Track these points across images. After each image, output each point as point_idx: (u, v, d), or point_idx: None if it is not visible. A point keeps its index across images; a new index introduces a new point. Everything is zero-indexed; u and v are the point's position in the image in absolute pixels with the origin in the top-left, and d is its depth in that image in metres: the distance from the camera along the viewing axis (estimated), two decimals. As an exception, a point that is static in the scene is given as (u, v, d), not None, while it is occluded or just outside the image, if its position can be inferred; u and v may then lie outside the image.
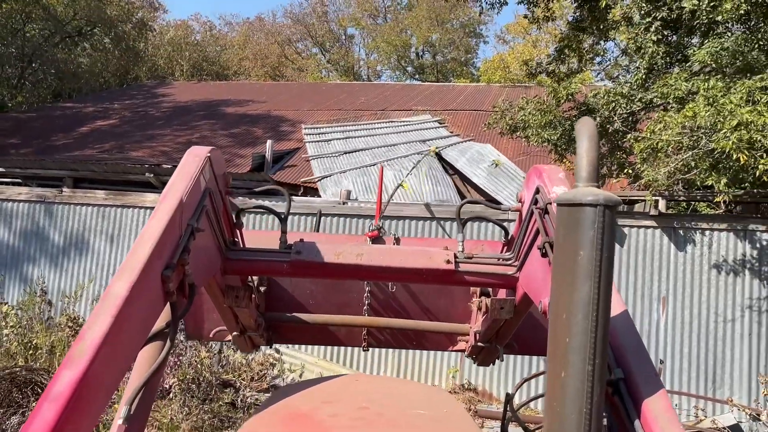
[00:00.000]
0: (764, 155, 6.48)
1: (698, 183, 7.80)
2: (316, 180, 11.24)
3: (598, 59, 12.31)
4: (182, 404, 6.92)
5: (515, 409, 7.59)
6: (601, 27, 10.56)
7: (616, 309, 1.55)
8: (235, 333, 2.91)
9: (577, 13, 11.63)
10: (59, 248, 9.82)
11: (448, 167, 12.42)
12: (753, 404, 8.24)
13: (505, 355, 2.92)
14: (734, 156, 6.47)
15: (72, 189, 9.89)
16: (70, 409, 1.20)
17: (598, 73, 22.96)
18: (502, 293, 2.53)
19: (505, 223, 2.55)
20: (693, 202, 9.54)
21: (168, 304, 1.68)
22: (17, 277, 9.80)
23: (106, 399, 1.39)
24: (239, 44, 41.88)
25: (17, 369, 6.43)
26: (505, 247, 2.47)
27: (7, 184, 10.20)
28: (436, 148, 12.63)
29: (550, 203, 1.83)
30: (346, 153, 13.24)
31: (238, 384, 7.52)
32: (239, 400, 7.42)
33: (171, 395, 7.07)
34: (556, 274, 1.37)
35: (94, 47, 33.52)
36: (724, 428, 7.46)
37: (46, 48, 30.56)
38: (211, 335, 3.13)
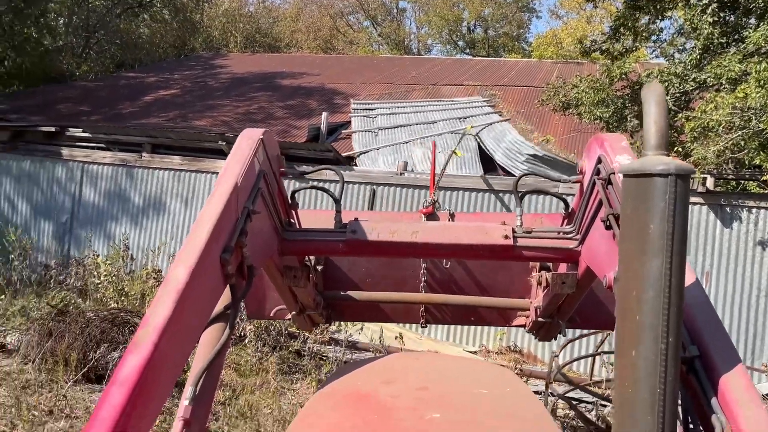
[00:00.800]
0: (813, 137, 6.72)
1: (746, 162, 8.03)
2: (356, 155, 11.64)
3: (653, 38, 12.38)
4: (255, 350, 7.68)
5: (559, 369, 8.08)
6: (658, 6, 10.68)
7: (688, 283, 1.49)
8: (294, 312, 2.96)
9: (634, -9, 11.73)
10: (139, 208, 10.68)
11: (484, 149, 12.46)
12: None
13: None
14: (783, 136, 6.74)
15: (150, 154, 10.70)
16: (137, 393, 1.22)
17: (654, 50, 22.69)
18: (562, 267, 2.49)
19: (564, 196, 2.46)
20: (742, 181, 9.74)
21: (228, 286, 1.69)
22: (101, 233, 10.72)
23: (171, 382, 1.42)
24: (291, 16, 42.36)
25: (115, 311, 7.29)
26: (566, 220, 2.39)
27: (91, 148, 11.08)
28: (471, 126, 12.71)
29: (614, 173, 1.76)
30: (382, 129, 13.50)
31: (303, 336, 8.23)
32: (304, 350, 8.14)
33: (246, 340, 7.85)
34: (624, 248, 1.32)
35: (153, 18, 34.51)
36: (761, 395, 7.80)
37: (109, 19, 31.70)
38: (271, 314, 3.18)
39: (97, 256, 9.37)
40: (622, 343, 1.29)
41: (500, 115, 14.34)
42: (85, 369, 6.58)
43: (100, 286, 8.49)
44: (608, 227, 1.70)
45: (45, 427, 5.64)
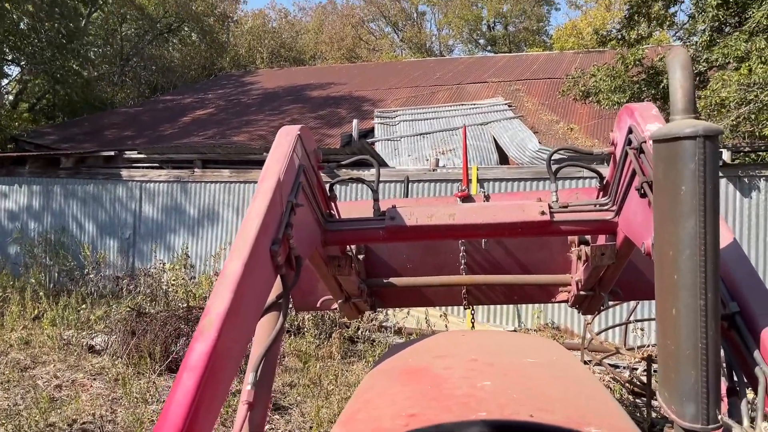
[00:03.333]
0: (815, 105, 7.21)
1: (757, 134, 8.51)
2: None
3: (668, 24, 12.83)
4: (315, 337, 8.47)
5: (592, 337, 8.64)
6: (669, -8, 11.19)
7: (725, 242, 1.51)
8: (340, 301, 3.04)
9: (646, -20, 12.22)
10: (194, 220, 11.60)
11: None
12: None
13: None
14: (786, 107, 7.25)
15: (202, 169, 11.63)
16: (207, 378, 1.29)
17: (675, 32, 22.90)
18: (601, 240, 2.50)
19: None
20: (760, 153, 10.17)
21: (278, 276, 1.76)
22: (163, 245, 11.68)
23: (235, 367, 1.48)
24: (314, 28, 43.33)
25: (186, 309, 8.17)
26: (601, 193, 2.40)
27: (147, 168, 12.06)
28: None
29: (645, 141, 1.76)
30: (404, 137, 13.96)
31: (354, 324, 8.97)
32: (357, 336, 8.89)
33: (303, 331, 8.65)
34: (658, 212, 1.33)
35: (182, 42, 35.84)
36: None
37: (141, 46, 33.12)
38: (318, 305, 3.26)
39: (164, 264, 10.31)
40: (662, 302, 1.31)
41: (513, 113, 14.72)
42: (168, 360, 7.45)
43: (169, 290, 9.40)
44: (643, 195, 1.71)
45: (141, 410, 6.49)
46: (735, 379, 1.42)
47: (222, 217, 11.44)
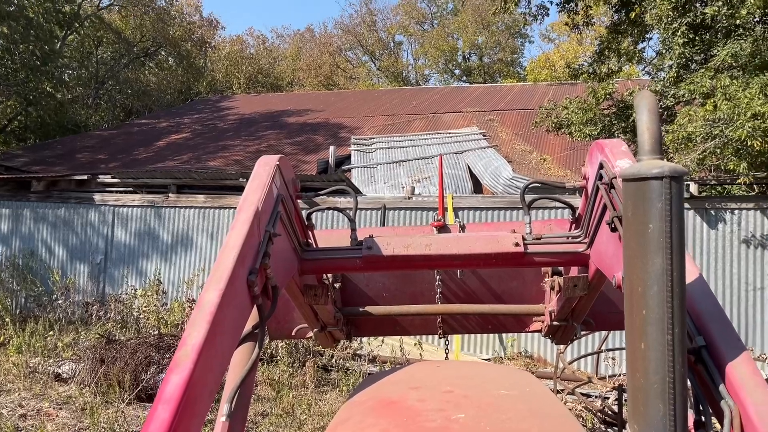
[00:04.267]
0: (777, 141, 7.49)
1: (722, 168, 8.77)
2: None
3: (636, 59, 13.23)
4: (288, 365, 8.40)
5: (564, 366, 8.74)
6: (637, 30, 11.56)
7: (691, 277, 1.56)
8: (315, 329, 3.03)
9: (615, 17, 12.63)
10: (168, 245, 11.48)
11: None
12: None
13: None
14: (749, 143, 7.51)
15: (176, 194, 11.55)
16: (182, 410, 1.28)
17: (644, 67, 23.59)
18: (573, 271, 2.53)
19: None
20: (726, 186, 10.48)
21: (255, 307, 1.76)
22: (135, 271, 11.52)
23: (210, 399, 1.47)
24: (292, 55, 43.67)
25: (158, 337, 8.04)
26: (573, 225, 2.44)
27: (121, 192, 11.94)
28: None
29: (615, 177, 1.81)
30: (380, 164, 14.05)
31: (328, 353, 8.92)
32: (331, 364, 8.83)
33: (277, 359, 8.56)
34: (628, 248, 1.38)
35: (159, 66, 35.79)
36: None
37: (117, 69, 32.98)
38: (293, 333, 3.23)
39: (135, 290, 10.16)
40: (631, 336, 1.34)
41: (488, 143, 14.90)
42: (138, 389, 7.30)
43: (140, 317, 9.26)
44: (613, 229, 1.75)
45: (108, 441, 6.34)
46: (702, 411, 1.45)
47: (196, 243, 11.35)
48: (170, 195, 11.50)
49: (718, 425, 1.42)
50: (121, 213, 11.77)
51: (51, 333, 9.36)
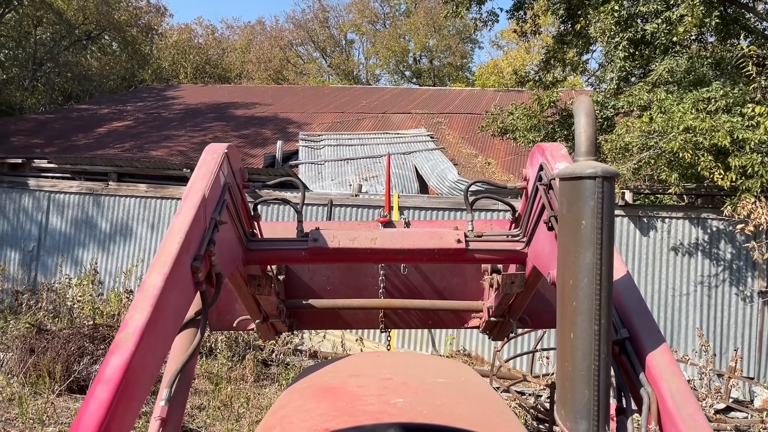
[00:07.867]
0: (705, 154, 7.92)
1: (655, 177, 9.21)
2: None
3: (580, 70, 13.69)
4: (227, 359, 8.31)
5: (501, 364, 8.97)
6: (582, 42, 11.98)
7: (619, 273, 1.65)
8: (258, 321, 3.03)
9: (561, 28, 13.05)
10: (106, 234, 11.15)
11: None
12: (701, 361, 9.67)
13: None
14: (680, 155, 7.92)
15: (117, 183, 11.24)
16: (121, 391, 1.28)
17: (587, 78, 24.35)
18: (512, 269, 2.62)
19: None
20: (658, 195, 10.99)
21: (198, 293, 1.77)
22: (70, 260, 11.13)
23: (150, 382, 1.47)
24: (241, 47, 42.98)
25: (93, 327, 7.82)
26: (513, 225, 2.53)
27: (58, 178, 11.53)
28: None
29: (554, 179, 1.86)
30: (327, 161, 14.03)
31: (269, 347, 8.88)
32: (271, 359, 8.79)
33: (216, 352, 8.46)
34: (562, 243, 1.45)
35: (102, 50, 34.62)
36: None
37: (57, 51, 31.71)
38: (234, 325, 3.22)
39: (70, 279, 9.82)
40: (562, 327, 1.42)
41: (435, 145, 15.09)
42: (70, 380, 7.09)
43: (75, 307, 8.96)
44: (550, 228, 1.83)
45: (36, 432, 6.14)
46: (623, 399, 1.54)
47: (136, 233, 11.07)
48: (110, 183, 11.18)
49: (637, 414, 1.51)
50: (57, 199, 11.35)
51: (-23, 322, 8.97)
